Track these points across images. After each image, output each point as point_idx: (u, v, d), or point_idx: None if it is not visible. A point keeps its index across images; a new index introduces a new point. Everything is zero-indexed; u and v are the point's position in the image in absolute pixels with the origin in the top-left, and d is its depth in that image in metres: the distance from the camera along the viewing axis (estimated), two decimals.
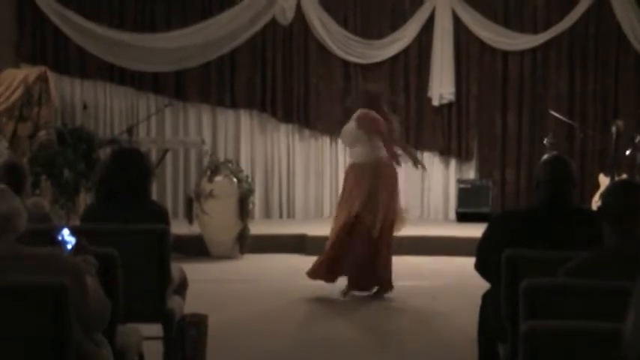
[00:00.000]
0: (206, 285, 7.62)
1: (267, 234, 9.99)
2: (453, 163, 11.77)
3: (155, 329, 4.90)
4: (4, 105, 10.37)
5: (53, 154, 9.73)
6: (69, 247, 3.47)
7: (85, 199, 10.28)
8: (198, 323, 5.12)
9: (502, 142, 11.62)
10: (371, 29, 11.63)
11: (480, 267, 4.32)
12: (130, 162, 5.02)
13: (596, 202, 9.78)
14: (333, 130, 11.02)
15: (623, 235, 3.35)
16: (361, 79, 11.61)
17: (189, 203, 9.82)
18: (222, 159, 10.47)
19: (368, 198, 7.41)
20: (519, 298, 3.27)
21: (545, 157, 4.72)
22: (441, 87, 11.48)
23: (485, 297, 4.45)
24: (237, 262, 9.37)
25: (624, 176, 9.76)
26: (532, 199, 9.82)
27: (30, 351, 3.13)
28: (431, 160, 11.72)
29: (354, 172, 7.60)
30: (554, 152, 5.95)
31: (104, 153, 9.83)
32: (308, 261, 8.06)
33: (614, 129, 10.11)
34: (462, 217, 11.25)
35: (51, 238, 3.49)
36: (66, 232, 3.51)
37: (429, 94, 11.55)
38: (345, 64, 11.64)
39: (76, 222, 7.22)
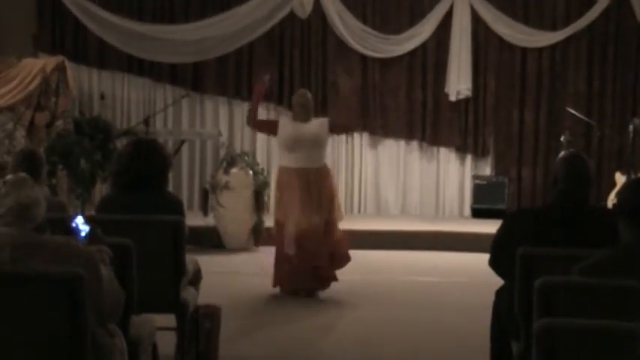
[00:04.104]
0: (220, 277, 7.64)
1: None
2: (468, 159, 11.72)
3: (169, 320, 4.92)
4: (22, 94, 10.40)
5: (70, 144, 9.73)
6: (82, 234, 3.48)
7: (100, 190, 10.31)
8: (212, 315, 5.14)
9: (519, 139, 11.57)
10: (389, 24, 11.59)
11: (494, 263, 4.31)
12: (148, 153, 5.02)
13: (612, 201, 9.74)
14: None
15: (639, 233, 3.33)
16: (378, 74, 11.61)
17: (204, 195, 9.84)
18: (238, 151, 10.49)
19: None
20: (533, 296, 3.26)
21: (562, 154, 4.71)
22: (459, 83, 11.44)
23: (499, 294, 4.44)
24: (251, 254, 9.37)
25: None
26: (548, 196, 9.79)
27: (45, 340, 3.14)
28: (447, 156, 11.70)
29: (323, 175, 7.38)
30: (572, 150, 5.93)
31: (120, 144, 9.84)
32: None
33: (631, 127, 10.07)
34: (477, 214, 11.23)
35: (66, 227, 3.50)
36: (80, 219, 3.52)
37: (446, 89, 11.51)
38: (363, 58, 11.61)
39: (92, 212, 7.25)
